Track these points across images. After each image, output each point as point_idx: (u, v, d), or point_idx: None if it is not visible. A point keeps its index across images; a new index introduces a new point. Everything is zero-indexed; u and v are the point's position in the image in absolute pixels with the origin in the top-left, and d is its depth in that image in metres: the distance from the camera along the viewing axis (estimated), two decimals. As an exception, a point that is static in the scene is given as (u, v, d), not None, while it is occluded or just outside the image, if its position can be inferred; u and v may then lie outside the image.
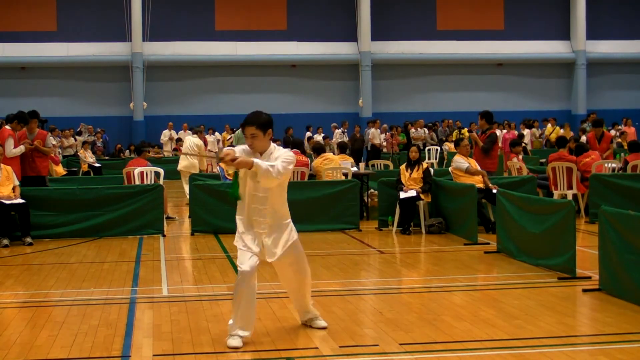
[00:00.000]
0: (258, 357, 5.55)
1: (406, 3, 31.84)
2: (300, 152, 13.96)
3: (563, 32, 32.54)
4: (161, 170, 14.45)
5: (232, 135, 26.28)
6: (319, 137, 26.28)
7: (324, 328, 6.15)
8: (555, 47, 32.45)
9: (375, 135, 25.11)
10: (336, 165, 13.70)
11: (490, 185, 11.98)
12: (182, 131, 27.05)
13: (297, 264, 6.02)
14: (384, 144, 25.45)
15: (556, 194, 13.31)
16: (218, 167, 14.63)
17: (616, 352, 5.47)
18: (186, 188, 16.05)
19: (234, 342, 5.68)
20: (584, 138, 19.40)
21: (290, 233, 5.92)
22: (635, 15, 33.03)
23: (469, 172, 12.21)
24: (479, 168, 12.44)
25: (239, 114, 28.76)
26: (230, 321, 5.79)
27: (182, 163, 17.02)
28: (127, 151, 26.00)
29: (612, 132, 24.85)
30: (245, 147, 5.79)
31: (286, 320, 6.53)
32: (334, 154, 15.71)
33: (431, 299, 7.44)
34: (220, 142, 27.00)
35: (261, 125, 5.75)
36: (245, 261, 5.68)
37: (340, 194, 12.33)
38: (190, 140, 17.57)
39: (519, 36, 32.14)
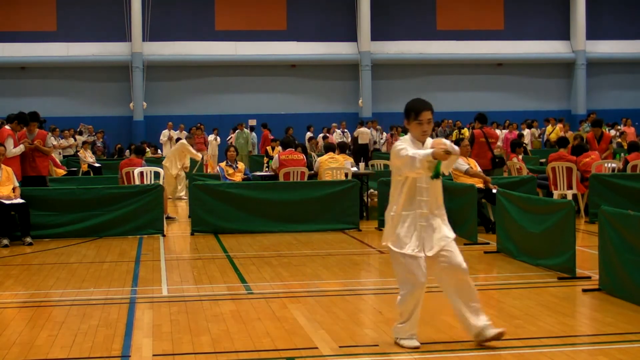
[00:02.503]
0: (258, 357, 5.55)
1: (406, 3, 31.83)
2: (295, 151, 13.98)
3: (563, 32, 32.54)
4: (161, 170, 14.45)
5: (232, 135, 26.32)
6: (319, 138, 26.32)
7: (499, 334, 5.52)
8: (555, 47, 32.45)
9: (363, 134, 25.06)
10: (341, 165, 13.73)
11: (490, 185, 11.97)
12: (178, 131, 26.98)
13: (451, 263, 5.51)
14: (381, 141, 25.40)
15: (556, 194, 13.31)
16: (218, 167, 14.64)
17: (616, 352, 5.47)
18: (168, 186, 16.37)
19: (414, 342, 5.59)
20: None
21: (448, 227, 5.60)
22: (635, 15, 33.04)
23: (468, 173, 12.19)
24: (479, 169, 12.44)
25: (239, 114, 28.99)
26: (400, 325, 5.64)
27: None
28: (128, 151, 25.98)
29: (612, 132, 24.85)
30: (408, 138, 5.60)
31: (286, 320, 6.52)
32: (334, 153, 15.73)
33: (431, 299, 7.43)
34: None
35: (433, 110, 5.66)
36: (419, 271, 5.46)
37: (340, 194, 12.33)
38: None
39: (519, 36, 32.14)
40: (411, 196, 5.52)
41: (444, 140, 5.44)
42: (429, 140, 5.60)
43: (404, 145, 5.50)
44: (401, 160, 5.41)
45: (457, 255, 5.51)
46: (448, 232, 5.58)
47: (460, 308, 5.53)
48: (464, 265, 5.50)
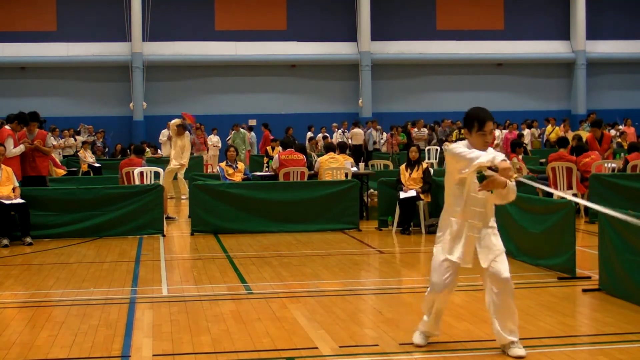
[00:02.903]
0: (258, 357, 5.55)
1: (406, 3, 31.84)
2: (295, 151, 13.97)
3: (563, 32, 32.53)
4: (161, 170, 14.45)
5: (231, 135, 26.32)
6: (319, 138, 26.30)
7: (520, 358, 5.38)
8: (555, 47, 32.45)
9: (357, 135, 25.09)
10: (341, 165, 13.73)
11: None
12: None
13: (494, 270, 5.39)
14: (382, 142, 25.41)
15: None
16: (218, 167, 14.63)
17: (616, 352, 5.47)
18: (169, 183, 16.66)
19: (419, 339, 5.69)
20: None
21: (499, 239, 5.49)
22: (635, 15, 33.03)
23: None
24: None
25: (239, 114, 29.00)
26: (425, 318, 5.69)
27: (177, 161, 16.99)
28: (128, 151, 25.96)
29: (612, 132, 24.84)
30: (466, 144, 5.42)
31: (286, 320, 6.52)
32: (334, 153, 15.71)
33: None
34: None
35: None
36: (440, 277, 5.51)
37: (340, 194, 12.33)
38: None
39: (519, 36, 32.14)
40: (466, 206, 5.44)
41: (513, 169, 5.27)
42: (490, 150, 5.44)
43: (462, 147, 5.35)
44: (462, 154, 5.22)
45: (501, 264, 5.39)
46: (499, 243, 5.47)
47: (492, 318, 5.46)
48: (504, 274, 5.34)
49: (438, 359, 5.44)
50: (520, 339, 5.45)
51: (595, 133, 15.37)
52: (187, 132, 17.07)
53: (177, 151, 16.75)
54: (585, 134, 18.25)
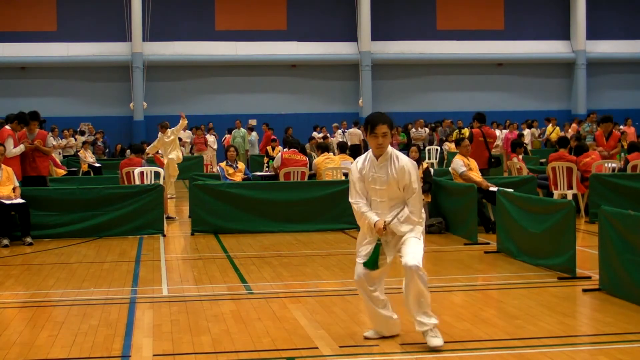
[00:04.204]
0: (258, 357, 5.55)
1: (406, 3, 31.85)
2: (298, 152, 13.98)
3: (563, 32, 32.54)
4: (161, 170, 14.45)
5: (227, 136, 26.35)
6: (318, 136, 26.29)
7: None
8: (555, 47, 32.46)
9: (353, 135, 25.09)
10: (337, 165, 13.72)
11: (484, 185, 11.83)
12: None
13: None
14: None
15: (556, 194, 13.31)
16: (218, 167, 14.63)
17: (616, 352, 5.47)
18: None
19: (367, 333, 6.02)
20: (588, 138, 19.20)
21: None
22: (635, 15, 33.04)
23: (462, 177, 12.10)
24: (477, 170, 12.37)
25: (239, 114, 29.00)
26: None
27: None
28: (128, 151, 25.91)
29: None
30: (365, 157, 5.77)
31: (286, 320, 6.53)
32: (333, 154, 15.72)
33: (431, 299, 7.43)
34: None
35: (390, 124, 5.69)
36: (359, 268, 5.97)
37: (340, 194, 12.30)
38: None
39: (519, 36, 32.15)
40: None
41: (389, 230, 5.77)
42: (392, 151, 5.71)
43: (354, 177, 5.74)
44: (351, 196, 5.79)
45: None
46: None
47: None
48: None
49: (438, 359, 5.44)
50: (520, 338, 5.46)
51: (606, 128, 15.11)
52: (167, 129, 17.83)
53: (164, 148, 17.53)
54: (583, 134, 18.19)
